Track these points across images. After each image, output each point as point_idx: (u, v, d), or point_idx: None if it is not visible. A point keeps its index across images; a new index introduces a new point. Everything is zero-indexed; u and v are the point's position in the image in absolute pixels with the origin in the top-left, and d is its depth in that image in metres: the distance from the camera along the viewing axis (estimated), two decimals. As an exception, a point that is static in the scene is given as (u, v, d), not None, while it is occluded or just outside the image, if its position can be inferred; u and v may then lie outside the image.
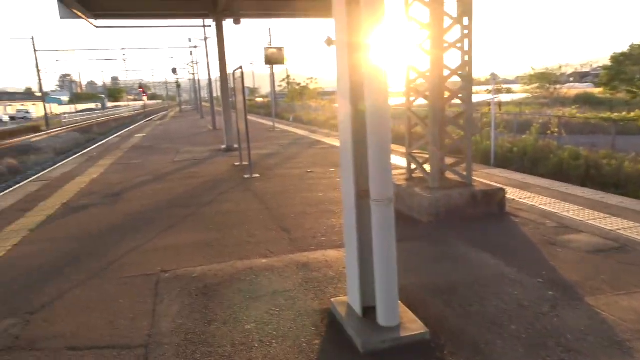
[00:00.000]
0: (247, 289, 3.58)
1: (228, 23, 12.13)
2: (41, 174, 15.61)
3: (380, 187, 2.62)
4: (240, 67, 8.12)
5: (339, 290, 3.46)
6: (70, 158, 18.67)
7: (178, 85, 59.53)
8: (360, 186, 2.80)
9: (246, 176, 8.47)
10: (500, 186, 5.62)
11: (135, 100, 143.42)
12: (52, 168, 16.99)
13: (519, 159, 11.43)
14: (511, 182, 6.91)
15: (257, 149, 11.48)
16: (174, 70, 55.11)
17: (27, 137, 37.05)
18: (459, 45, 5.31)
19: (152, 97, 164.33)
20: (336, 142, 13.34)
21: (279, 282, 3.67)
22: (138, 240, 4.95)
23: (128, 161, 11.57)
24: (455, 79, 5.51)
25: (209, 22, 17.77)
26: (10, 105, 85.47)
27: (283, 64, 19.33)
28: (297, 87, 61.61)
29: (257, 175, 8.48)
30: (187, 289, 3.62)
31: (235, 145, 12.73)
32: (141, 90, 73.56)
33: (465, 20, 5.24)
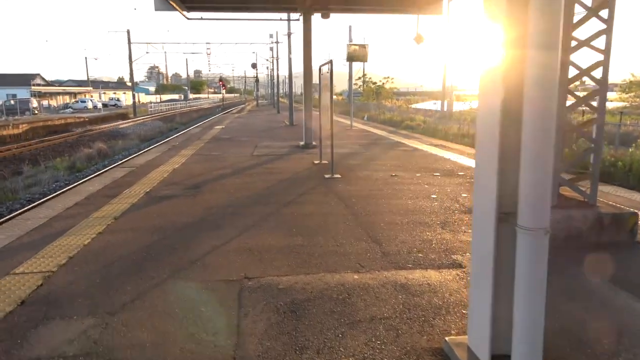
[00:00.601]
0: (341, 310, 3.13)
1: (315, 18, 11.82)
2: (127, 159, 16.33)
3: (535, 213, 2.04)
4: (330, 62, 7.73)
5: (449, 325, 2.93)
6: (154, 146, 19.45)
7: (256, 80, 60.93)
8: (502, 208, 2.24)
9: (327, 176, 8.08)
10: (634, 210, 4.75)
11: (214, 92, 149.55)
12: (136, 154, 17.74)
13: (624, 174, 10.16)
14: (634, 204, 5.95)
15: (336, 147, 11.03)
16: (254, 65, 56.44)
17: (116, 123, 39.53)
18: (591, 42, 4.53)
19: (230, 90, 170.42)
20: (419, 145, 12.64)
21: (376, 306, 3.19)
22: (219, 238, 4.68)
23: (208, 152, 11.63)
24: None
25: (294, 16, 17.64)
26: (104, 93, 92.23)
27: (365, 61, 18.85)
28: (373, 86, 60.86)
29: (339, 176, 8.07)
30: (274, 304, 3.24)
31: (314, 143, 12.45)
32: (221, 83, 76.11)
33: (604, 13, 4.45)
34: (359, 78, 75.62)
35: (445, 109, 40.27)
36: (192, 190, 7.05)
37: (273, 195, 6.73)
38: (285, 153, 11.42)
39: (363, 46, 18.74)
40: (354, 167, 9.15)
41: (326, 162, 9.71)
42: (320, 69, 9.41)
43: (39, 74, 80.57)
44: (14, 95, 55.44)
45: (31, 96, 60.01)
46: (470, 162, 9.57)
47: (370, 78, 79.36)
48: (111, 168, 10.70)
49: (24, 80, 69.41)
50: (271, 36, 46.90)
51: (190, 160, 10.25)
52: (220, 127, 20.79)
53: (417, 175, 8.17)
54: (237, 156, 10.90)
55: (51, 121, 35.07)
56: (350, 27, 53.16)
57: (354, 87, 63.64)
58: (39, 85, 72.23)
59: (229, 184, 7.53)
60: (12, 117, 36.89)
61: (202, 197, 6.63)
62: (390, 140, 14.09)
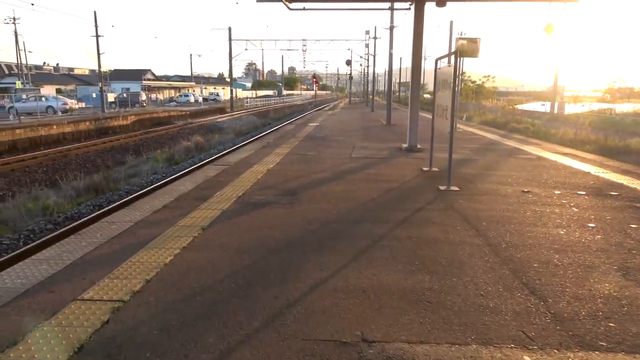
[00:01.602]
0: None
1: (429, 7, 10.52)
2: (221, 154, 16.16)
3: None
4: (454, 54, 6.47)
5: None
6: (248, 141, 19.29)
7: (350, 77, 60.24)
8: None
9: (442, 187, 6.84)
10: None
11: (307, 89, 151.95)
12: (231, 149, 17.60)
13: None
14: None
15: (442, 151, 9.64)
16: (348, 62, 55.79)
17: (214, 117, 40.90)
18: None
19: (322, 87, 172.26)
20: (541, 152, 10.85)
21: None
22: (323, 268, 3.72)
23: (304, 152, 10.86)
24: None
25: (399, 5, 16.39)
26: (205, 88, 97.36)
27: (476, 56, 17.06)
28: (472, 85, 57.61)
29: (456, 189, 6.80)
30: (412, 398, 2.18)
31: (419, 146, 11.19)
32: (314, 80, 76.64)
33: None
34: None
35: (555, 110, 36.57)
36: (288, 197, 6.20)
37: (382, 210, 5.66)
38: (387, 156, 10.29)
39: (474, 40, 16.94)
40: (472, 177, 7.79)
41: (437, 169, 8.45)
42: (436, 63, 8.16)
43: (149, 70, 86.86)
44: (128, 89, 59.92)
45: (141, 90, 64.56)
46: (618, 178, 7.75)
47: (469, 76, 75.47)
48: (205, 164, 10.32)
49: (137, 75, 75.12)
50: (367, 32, 45.84)
51: (285, 160, 9.51)
52: (314, 124, 20.15)
53: (556, 192, 6.64)
54: (335, 157, 9.98)
55: (156, 114, 37.07)
56: (451, 22, 50.39)
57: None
58: (149, 79, 77.85)
59: (329, 192, 6.59)
60: (123, 109, 39.57)
61: (300, 206, 5.74)
62: (505, 146, 12.37)
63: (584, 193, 6.62)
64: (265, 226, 4.91)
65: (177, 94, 75.16)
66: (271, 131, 24.17)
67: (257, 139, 19.42)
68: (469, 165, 9.17)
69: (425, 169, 8.52)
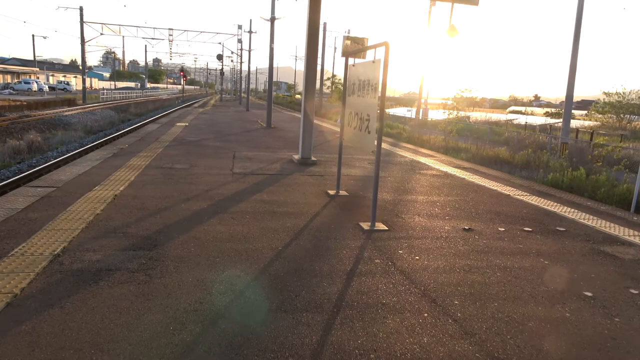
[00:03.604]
0: None
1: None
2: (48, 164, 12.27)
3: None
4: (384, 45, 4.70)
5: None
6: (96, 143, 15.57)
7: (222, 73, 56.91)
8: None
9: (365, 226, 5.06)
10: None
11: (174, 83, 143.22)
12: (70, 153, 13.69)
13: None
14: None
15: (332, 164, 7.85)
16: (219, 57, 52.55)
17: (60, 109, 34.79)
18: None
19: (191, 82, 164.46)
20: (441, 166, 9.82)
21: None
22: None
23: (170, 164, 8.34)
24: None
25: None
26: (52, 75, 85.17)
27: (364, 58, 15.95)
28: (342, 87, 58.25)
29: (384, 227, 5.07)
30: None
31: (314, 158, 9.41)
32: (182, 74, 71.55)
33: None
34: (328, 79, 73.27)
35: (420, 116, 38.21)
36: (142, 257, 3.84)
37: (298, 279, 3.63)
38: (279, 172, 8.29)
39: (361, 39, 15.84)
40: (393, 206, 6.17)
41: (345, 192, 6.71)
42: (347, 59, 6.43)
43: (-23, 49, 73.10)
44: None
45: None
46: (544, 204, 6.81)
47: (339, 79, 77.31)
48: (16, 190, 7.26)
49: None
50: (240, 27, 43.40)
51: (143, 179, 6.95)
52: (183, 124, 17.31)
53: (500, 229, 5.30)
54: (213, 174, 7.68)
55: (-24, 103, 30.04)
56: (325, 24, 50.17)
57: (323, 87, 60.79)
58: (-26, 61, 65.18)
59: (209, 239, 4.37)
60: None
61: (163, 279, 3.45)
62: (400, 157, 11.21)
63: (531, 229, 5.38)
64: (96, 340, 2.57)
65: (16, 80, 64.26)
66: (129, 130, 20.60)
67: (109, 140, 15.94)
68: (380, 187, 7.59)
69: (331, 192, 6.71)
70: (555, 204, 6.88)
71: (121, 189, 6.19)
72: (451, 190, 7.49)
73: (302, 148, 9.46)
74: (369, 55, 7.12)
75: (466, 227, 5.28)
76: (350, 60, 6.41)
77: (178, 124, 17.38)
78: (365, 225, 5.08)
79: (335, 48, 57.68)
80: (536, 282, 3.79)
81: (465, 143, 19.81)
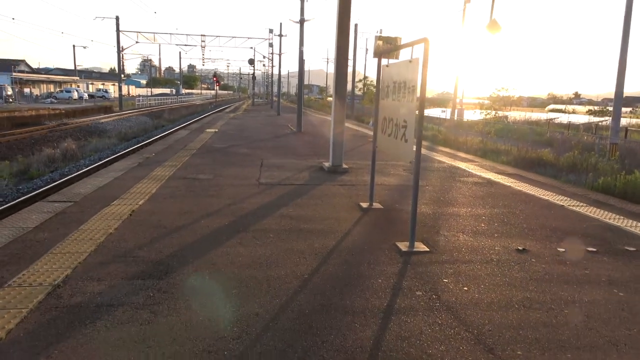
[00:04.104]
0: None
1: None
2: (70, 176, 12.05)
3: None
4: (424, 41, 4.12)
5: None
6: (125, 152, 15.45)
7: (253, 77, 57.15)
8: None
9: (404, 248, 4.47)
10: None
11: (207, 88, 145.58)
12: (97, 163, 13.57)
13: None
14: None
15: (365, 171, 7.20)
16: (251, 61, 52.81)
17: (97, 117, 35.55)
18: None
19: (224, 87, 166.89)
20: (487, 174, 9.08)
21: None
22: None
23: (194, 174, 7.97)
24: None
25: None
26: (92, 83, 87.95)
27: (397, 58, 15.30)
28: (374, 89, 57.45)
29: (425, 249, 4.48)
30: None
31: (345, 165, 8.87)
32: (215, 79, 72.40)
33: None
34: (360, 80, 72.59)
35: (455, 117, 37.05)
36: (150, 288, 3.40)
37: (326, 316, 3.09)
38: (307, 181, 7.79)
39: (394, 39, 15.19)
40: (433, 221, 5.55)
41: (379, 205, 6.13)
42: (380, 59, 5.89)
43: (23, 60, 76.40)
44: (-9, 82, 51.20)
45: (11, 83, 55.90)
46: (603, 216, 6.04)
47: (371, 81, 76.38)
48: (32, 203, 7.05)
49: (5, 66, 64.88)
50: (271, 31, 43.42)
51: (164, 191, 6.58)
52: (213, 130, 17.10)
53: (560, 250, 4.60)
54: (237, 185, 7.26)
55: (19, 112, 31.02)
56: (356, 25, 49.62)
57: (355, 90, 60.14)
58: (22, 72, 67.86)
59: (227, 264, 3.90)
60: (-22, 105, 32.76)
61: (170, 318, 2.98)
62: (437, 163, 10.52)
63: (595, 250, 4.66)
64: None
65: (58, 89, 66.50)
66: (159, 137, 20.57)
67: (138, 149, 15.81)
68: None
69: (364, 204, 6.15)
70: (617, 216, 6.09)
71: (140, 203, 5.83)
72: (496, 200, 6.79)
73: (332, 155, 8.93)
74: (403, 55, 6.55)
75: (520, 248, 4.61)
76: (384, 61, 5.85)
77: (208, 130, 17.18)
78: (403, 246, 4.49)
79: (367, 50, 57.00)
80: (614, 322, 3.12)
81: (505, 145, 18.85)
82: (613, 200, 7.28)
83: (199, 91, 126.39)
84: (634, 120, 40.61)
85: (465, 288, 3.58)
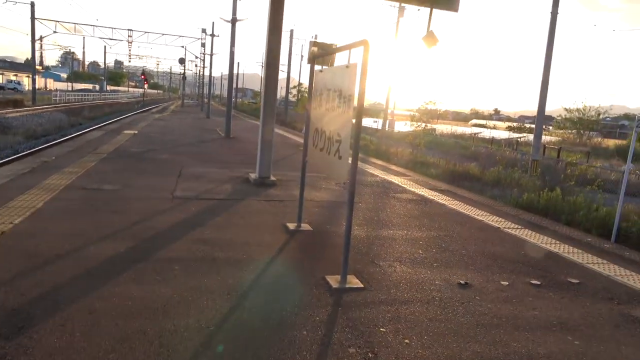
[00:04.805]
0: None
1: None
2: None
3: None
4: (364, 43, 3.53)
5: None
6: (13, 162, 13.56)
7: (183, 77, 54.79)
8: None
9: (333, 282, 3.83)
10: None
11: (136, 86, 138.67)
12: None
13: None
14: None
15: (295, 184, 6.50)
16: (182, 61, 50.56)
17: (3, 111, 32.09)
18: None
19: (154, 86, 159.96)
20: (419, 189, 8.76)
21: None
22: None
23: (98, 184, 6.88)
24: None
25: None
26: (2, 74, 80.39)
27: (332, 64, 14.84)
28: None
29: (359, 285, 3.86)
30: None
31: (273, 178, 8.15)
32: (143, 77, 68.85)
33: None
34: (294, 87, 72.19)
35: (387, 127, 37.58)
36: (-9, 352, 2.49)
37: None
38: (229, 196, 6.97)
39: (329, 45, 14.73)
40: (368, 247, 4.97)
41: (308, 226, 5.48)
42: (313, 63, 5.28)
43: None
44: None
45: None
46: (537, 239, 5.81)
47: (305, 88, 76.30)
48: None
49: None
50: (204, 31, 41.85)
51: (53, 206, 5.49)
52: (133, 131, 15.68)
53: (504, 284, 4.19)
54: (147, 198, 6.29)
55: None
56: (292, 30, 49.13)
57: (289, 96, 59.64)
58: None
59: (111, 314, 3.03)
60: None
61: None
62: (370, 176, 10.09)
63: (539, 283, 4.30)
64: None
65: (-42, 79, 60.09)
66: (69, 138, 18.66)
67: (37, 151, 14.01)
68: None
69: (291, 226, 5.45)
70: (553, 240, 5.87)
71: (16, 221, 4.74)
72: (432, 221, 6.38)
73: (259, 166, 8.18)
74: (340, 60, 5.97)
75: (462, 282, 4.13)
76: (317, 67, 5.23)
77: (126, 131, 15.73)
78: (334, 281, 3.85)
79: (302, 56, 56.57)
80: (576, 384, 2.66)
81: (433, 157, 19.11)
82: (545, 222, 7.15)
83: (125, 89, 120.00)
84: (547, 138, 43.42)
85: (407, 341, 2.98)
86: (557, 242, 5.83)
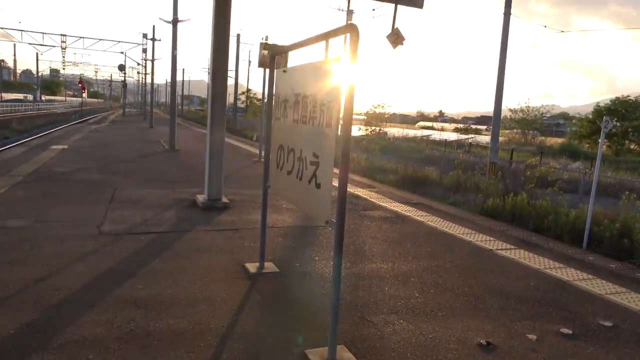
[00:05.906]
0: None
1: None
2: None
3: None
4: (352, 28, 2.51)
5: None
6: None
7: (124, 85, 51.80)
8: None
9: (310, 355, 2.76)
10: None
11: (74, 96, 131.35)
12: None
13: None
14: None
15: (255, 206, 5.37)
16: (121, 67, 47.76)
17: None
18: None
19: (94, 95, 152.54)
20: (391, 204, 7.85)
21: None
22: None
23: (2, 219, 5.44)
24: None
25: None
26: None
27: (284, 68, 13.78)
28: (258, 103, 56.45)
29: (349, 355, 2.81)
30: None
31: (225, 199, 6.98)
32: (80, 85, 64.79)
33: None
34: (243, 93, 70.51)
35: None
36: None
37: None
38: (171, 228, 5.70)
39: (281, 47, 13.66)
40: (351, 294, 3.92)
41: (272, 266, 4.38)
42: (265, 72, 4.19)
43: None
44: None
45: None
46: (539, 263, 5.01)
47: (255, 93, 74.79)
48: None
49: None
50: (145, 35, 39.59)
51: None
52: (61, 147, 13.88)
53: (530, 338, 3.27)
54: (65, 237, 4.94)
55: None
56: (238, 35, 47.76)
57: (238, 102, 58.06)
58: None
59: None
60: None
61: None
62: (334, 192, 9.09)
63: (571, 332, 3.42)
64: None
65: None
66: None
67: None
68: (323, 248, 5.33)
69: (251, 267, 4.31)
70: (555, 263, 5.10)
71: None
72: (417, 246, 5.43)
73: (208, 186, 6.95)
74: (293, 61, 4.94)
75: (482, 342, 3.17)
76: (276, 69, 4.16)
77: (54, 146, 13.90)
78: (318, 358, 2.77)
79: (250, 62, 54.94)
80: None
81: (390, 162, 18.46)
82: (535, 238, 6.41)
83: (63, 98, 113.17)
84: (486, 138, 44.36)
85: None
86: (560, 265, 5.06)
